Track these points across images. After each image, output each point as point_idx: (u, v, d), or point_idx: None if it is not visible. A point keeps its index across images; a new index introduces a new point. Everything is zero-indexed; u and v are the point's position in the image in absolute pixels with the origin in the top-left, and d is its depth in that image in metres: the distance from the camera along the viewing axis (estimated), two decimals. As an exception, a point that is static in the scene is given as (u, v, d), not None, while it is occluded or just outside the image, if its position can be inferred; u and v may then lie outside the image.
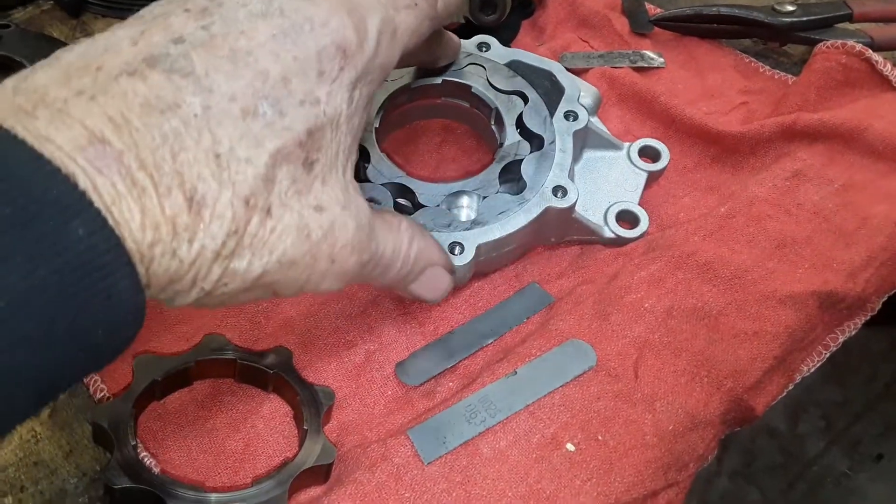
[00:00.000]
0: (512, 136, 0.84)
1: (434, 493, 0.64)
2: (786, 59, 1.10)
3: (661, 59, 1.07)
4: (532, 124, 0.84)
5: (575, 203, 0.80)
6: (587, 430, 0.67)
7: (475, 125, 0.93)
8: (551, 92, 0.88)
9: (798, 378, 0.78)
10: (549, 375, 0.71)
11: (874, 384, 2.02)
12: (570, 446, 0.66)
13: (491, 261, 0.81)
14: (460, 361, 0.76)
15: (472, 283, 0.82)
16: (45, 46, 1.06)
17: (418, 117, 0.95)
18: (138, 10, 1.14)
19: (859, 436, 2.00)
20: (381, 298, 0.81)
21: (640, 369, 0.71)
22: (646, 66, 1.06)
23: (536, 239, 0.84)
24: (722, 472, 1.91)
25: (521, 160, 0.82)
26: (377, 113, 0.85)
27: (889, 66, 0.94)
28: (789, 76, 1.05)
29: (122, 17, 1.12)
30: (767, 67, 1.07)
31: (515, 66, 0.89)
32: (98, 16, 1.17)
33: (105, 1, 1.17)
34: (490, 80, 0.88)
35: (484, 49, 0.90)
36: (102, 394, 0.72)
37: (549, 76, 0.88)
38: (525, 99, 0.86)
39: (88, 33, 1.15)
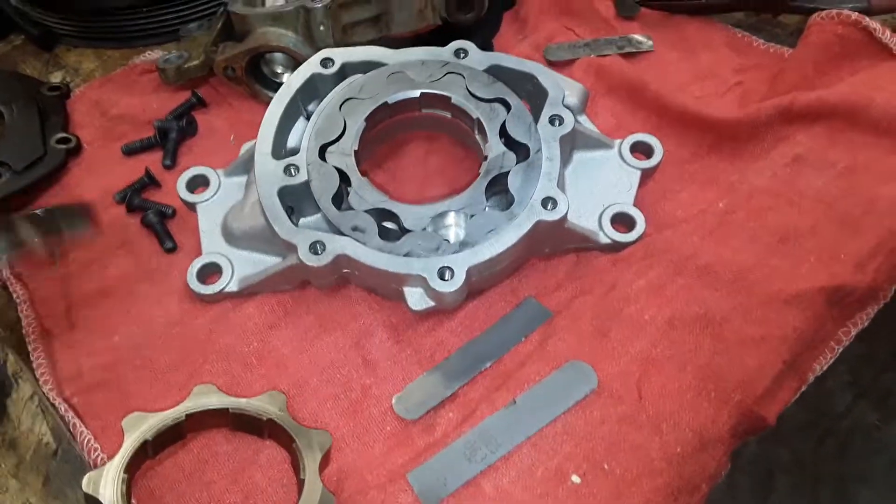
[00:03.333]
0: (496, 147, 0.81)
1: (437, 540, 0.62)
2: (780, 29, 1.06)
3: (650, 42, 1.03)
4: (516, 133, 0.81)
5: (566, 214, 0.77)
6: (592, 459, 0.65)
7: (459, 136, 0.90)
8: (535, 95, 0.85)
9: (811, 378, 0.75)
10: (549, 402, 0.68)
11: (900, 335, 1.98)
12: (575, 478, 0.64)
13: (484, 280, 0.78)
14: (459, 389, 0.74)
15: (466, 303, 0.79)
16: (17, 86, 1.04)
17: (400, 131, 0.92)
18: (111, 41, 1.11)
19: (887, 387, 1.96)
20: (373, 327, 0.79)
21: (643, 388, 0.69)
22: (634, 50, 1.03)
23: (530, 252, 0.81)
24: (750, 437, 1.89)
25: (508, 173, 0.79)
26: (356, 134, 0.82)
27: (888, 33, 0.90)
28: (785, 48, 1.01)
29: (96, 48, 1.13)
30: (762, 41, 1.03)
31: (495, 71, 0.86)
32: (70, 47, 1.14)
33: (77, 32, 1.14)
34: (469, 88, 0.84)
35: (462, 55, 0.87)
36: (97, 454, 0.71)
37: (531, 79, 0.85)
38: (507, 106, 0.83)
39: (62, 66, 1.12)
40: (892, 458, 1.88)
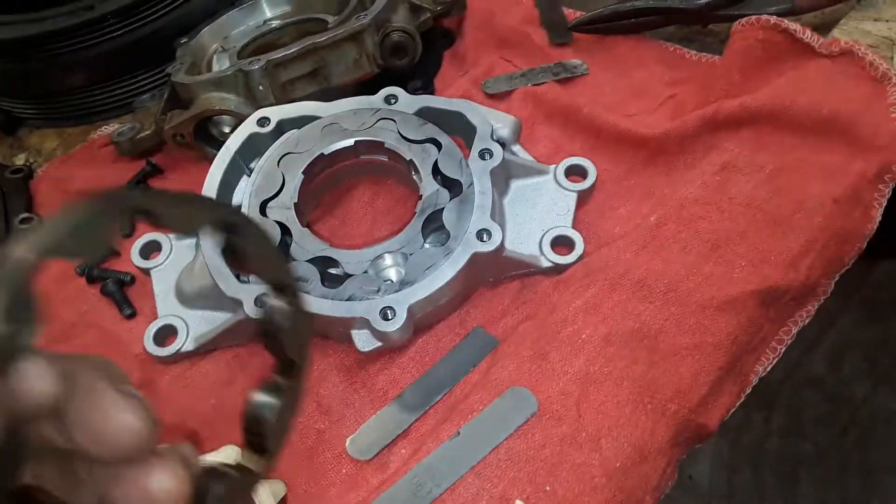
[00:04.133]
0: (430, 185, 0.83)
1: (387, 578, 0.64)
2: (712, 38, 1.08)
3: (585, 66, 1.05)
4: (448, 170, 0.83)
5: (501, 243, 0.79)
6: (535, 482, 0.66)
7: (398, 178, 0.92)
8: (466, 132, 0.87)
9: (755, 380, 0.76)
10: (492, 430, 0.70)
11: (914, 318, 1.97)
12: (519, 503, 0.65)
13: (430, 315, 0.80)
14: (411, 425, 0.76)
15: (416, 338, 0.81)
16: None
17: (345, 177, 0.95)
18: (70, 119, 1.13)
19: (906, 371, 1.95)
20: (326, 372, 0.81)
21: (582, 407, 0.70)
22: (570, 76, 1.05)
23: (473, 283, 0.83)
24: (771, 432, 1.86)
25: (443, 209, 0.81)
26: (294, 188, 0.85)
27: (808, 32, 0.91)
28: (716, 57, 1.03)
29: (56, 127, 1.16)
30: (693, 52, 1.05)
31: (426, 113, 0.88)
32: (32, 129, 1.18)
33: (37, 113, 1.18)
34: (401, 131, 0.87)
35: (392, 101, 0.90)
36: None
37: (460, 116, 0.87)
38: (439, 145, 0.85)
39: (25, 148, 1.16)
40: (918, 444, 1.86)
